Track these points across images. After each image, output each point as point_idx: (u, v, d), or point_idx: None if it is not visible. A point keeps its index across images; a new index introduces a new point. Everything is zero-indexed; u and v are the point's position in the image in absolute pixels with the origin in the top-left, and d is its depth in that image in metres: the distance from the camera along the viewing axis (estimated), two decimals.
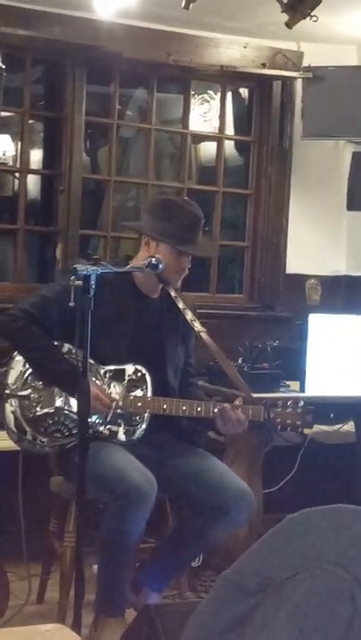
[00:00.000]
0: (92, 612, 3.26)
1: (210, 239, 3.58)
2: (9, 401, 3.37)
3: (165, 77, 4.97)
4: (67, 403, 3.33)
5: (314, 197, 5.19)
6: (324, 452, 4.79)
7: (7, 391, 3.37)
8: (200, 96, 5.16)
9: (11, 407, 3.37)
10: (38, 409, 3.34)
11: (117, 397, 3.33)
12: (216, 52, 4.83)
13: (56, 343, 3.36)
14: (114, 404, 3.31)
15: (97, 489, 3.10)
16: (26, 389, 3.36)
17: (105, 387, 3.35)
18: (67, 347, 3.36)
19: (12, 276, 4.81)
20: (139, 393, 3.35)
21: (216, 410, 3.29)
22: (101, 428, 3.33)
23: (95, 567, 3.29)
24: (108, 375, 3.37)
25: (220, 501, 3.26)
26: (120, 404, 3.32)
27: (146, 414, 3.34)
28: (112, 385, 3.37)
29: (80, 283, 2.86)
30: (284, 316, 5.05)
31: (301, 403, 3.36)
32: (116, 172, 4.93)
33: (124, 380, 3.37)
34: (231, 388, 3.51)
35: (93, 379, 3.32)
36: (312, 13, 3.66)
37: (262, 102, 5.11)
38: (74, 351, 3.30)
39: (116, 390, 3.36)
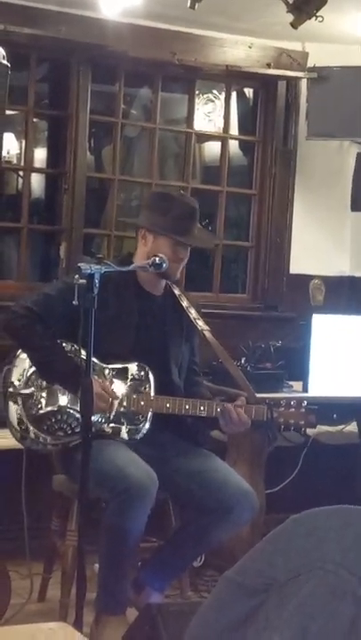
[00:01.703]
0: (93, 610, 3.26)
1: (206, 231, 3.59)
2: (12, 399, 3.37)
3: (170, 77, 4.97)
4: (70, 401, 3.33)
5: (318, 198, 5.19)
6: (326, 453, 4.78)
7: (10, 389, 3.37)
8: (205, 96, 5.17)
9: (14, 406, 3.37)
10: (41, 407, 3.34)
11: (120, 396, 3.32)
12: (221, 51, 4.83)
13: (59, 341, 3.37)
14: (116, 402, 3.31)
15: (98, 486, 3.10)
16: (29, 388, 3.36)
17: (108, 383, 3.34)
18: (70, 345, 3.36)
19: (15, 274, 4.82)
20: (142, 391, 3.35)
21: (219, 410, 3.29)
22: (104, 427, 3.33)
23: (97, 566, 3.29)
24: (111, 374, 3.37)
25: (222, 501, 3.26)
26: (123, 402, 3.32)
27: (149, 413, 3.34)
28: (115, 383, 3.37)
29: (84, 281, 2.86)
30: (287, 316, 5.05)
31: (305, 402, 3.36)
32: (120, 170, 4.93)
33: (128, 378, 3.37)
34: (235, 388, 3.51)
35: (96, 377, 3.31)
36: (318, 13, 3.66)
37: (267, 102, 5.11)
38: (77, 349, 3.30)
39: (119, 389, 3.36)
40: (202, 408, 3.30)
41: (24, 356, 3.40)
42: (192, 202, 3.44)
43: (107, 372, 3.37)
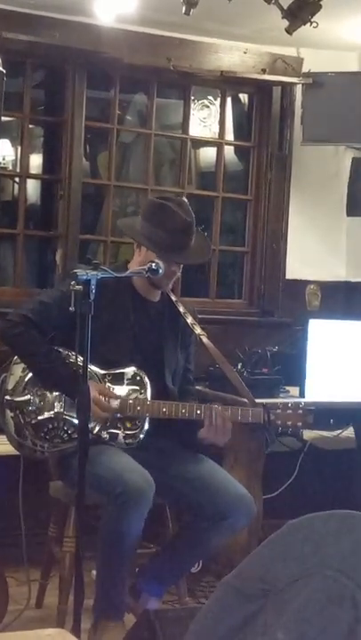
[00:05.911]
0: (91, 616, 3.25)
1: (203, 242, 3.54)
2: (9, 407, 3.37)
3: (165, 82, 4.98)
4: (66, 407, 3.33)
5: (314, 203, 5.19)
6: (323, 458, 4.78)
7: (7, 397, 3.37)
8: (200, 101, 5.17)
9: (10, 413, 3.36)
10: (38, 414, 3.34)
11: (117, 403, 3.32)
12: (216, 57, 4.83)
13: (56, 348, 3.36)
14: (114, 406, 3.30)
15: (95, 490, 3.09)
16: (25, 395, 3.36)
17: (106, 387, 3.34)
18: (66, 352, 3.35)
19: (11, 280, 4.82)
20: (138, 396, 3.35)
21: (199, 411, 3.28)
22: (102, 433, 3.32)
23: (94, 572, 3.29)
24: (107, 379, 3.37)
25: (219, 507, 3.25)
26: (119, 409, 3.32)
27: (146, 418, 3.34)
28: (111, 389, 3.36)
29: (80, 287, 2.86)
30: (283, 321, 5.05)
31: (302, 404, 3.36)
32: (115, 176, 4.93)
33: (124, 383, 3.37)
34: (233, 393, 3.50)
35: (95, 383, 3.31)
36: (312, 19, 3.67)
37: (262, 108, 5.12)
38: (73, 356, 3.30)
39: (115, 394, 3.35)
40: (198, 412, 3.30)
41: (20, 363, 3.40)
42: (188, 216, 3.35)
43: (103, 377, 3.37)
